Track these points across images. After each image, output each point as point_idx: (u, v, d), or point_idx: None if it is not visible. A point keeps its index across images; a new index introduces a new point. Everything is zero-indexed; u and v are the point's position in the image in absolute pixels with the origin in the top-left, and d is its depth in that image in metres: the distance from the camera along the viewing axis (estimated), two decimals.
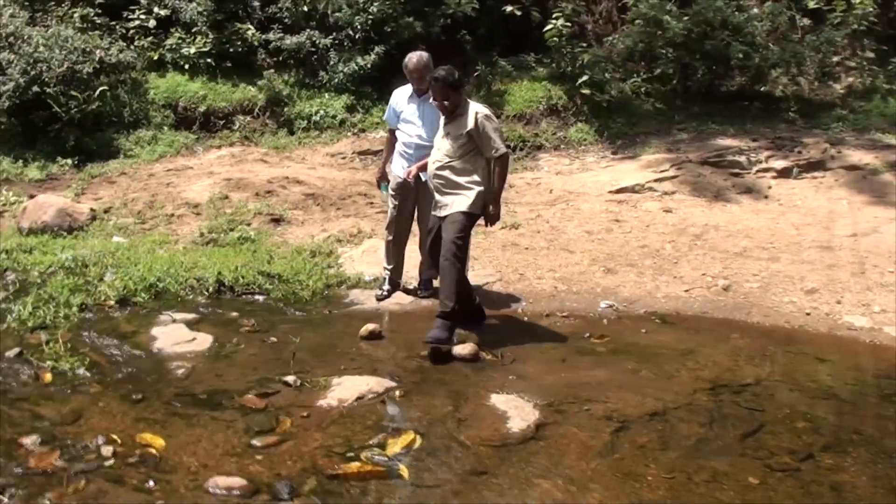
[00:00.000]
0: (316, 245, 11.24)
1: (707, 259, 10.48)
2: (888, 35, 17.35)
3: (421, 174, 9.00)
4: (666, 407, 7.02)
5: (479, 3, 16.74)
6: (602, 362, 8.03)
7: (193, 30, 17.09)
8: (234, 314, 9.18)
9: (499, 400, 7.08)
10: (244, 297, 9.73)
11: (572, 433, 6.57)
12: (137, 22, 17.20)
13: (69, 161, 14.55)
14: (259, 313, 9.23)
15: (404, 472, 6.00)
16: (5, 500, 5.56)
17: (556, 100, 16.47)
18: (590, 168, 14.56)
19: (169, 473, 5.94)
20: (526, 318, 9.18)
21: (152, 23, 17.23)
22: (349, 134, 15.76)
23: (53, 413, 6.86)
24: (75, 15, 16.82)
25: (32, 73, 14.63)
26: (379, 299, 9.60)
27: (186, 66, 16.90)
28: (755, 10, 16.80)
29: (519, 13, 16.74)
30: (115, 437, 6.39)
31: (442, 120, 8.60)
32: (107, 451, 6.20)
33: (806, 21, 17.18)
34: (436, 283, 9.32)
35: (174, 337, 8.45)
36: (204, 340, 8.38)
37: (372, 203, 12.66)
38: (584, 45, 17.32)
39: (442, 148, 8.46)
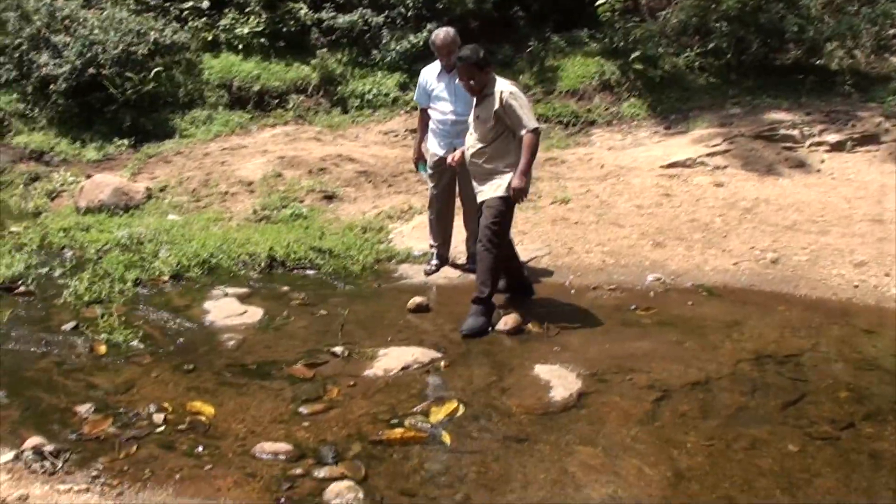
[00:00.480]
0: (367, 221, 11.36)
1: (756, 233, 10.46)
2: None
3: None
4: (708, 377, 7.08)
5: None
6: (647, 334, 8.08)
7: (247, 10, 17.24)
8: (285, 288, 9.33)
9: (542, 370, 7.18)
10: (295, 272, 9.87)
11: (614, 402, 6.66)
12: (191, 3, 17.36)
13: (125, 141, 14.75)
14: (309, 287, 9.38)
15: (446, 438, 6.12)
16: (59, 464, 5.73)
17: (608, 75, 16.43)
18: (642, 143, 14.53)
19: (218, 439, 6.12)
20: (573, 291, 9.23)
21: (206, 4, 17.39)
22: (401, 112, 15.81)
23: (107, 383, 7.07)
24: None
25: (88, 55, 14.85)
26: (427, 274, 9.69)
27: (240, 47, 17.04)
28: None
29: None
30: (166, 405, 6.59)
31: (473, 104, 8.43)
32: (158, 418, 6.40)
33: None
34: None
35: (226, 310, 8.63)
36: (255, 313, 8.54)
37: (423, 180, 12.76)
38: (637, 19, 17.21)
39: (474, 133, 8.33)
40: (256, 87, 16.40)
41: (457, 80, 8.66)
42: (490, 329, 8.11)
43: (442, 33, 9.20)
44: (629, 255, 10.01)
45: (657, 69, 16.19)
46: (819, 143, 13.38)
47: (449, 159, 9.02)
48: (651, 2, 18.42)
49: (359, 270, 9.80)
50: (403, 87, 16.28)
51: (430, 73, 9.43)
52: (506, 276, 8.74)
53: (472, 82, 8.17)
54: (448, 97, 9.17)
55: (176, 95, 15.96)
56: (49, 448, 5.86)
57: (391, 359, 7.38)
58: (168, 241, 10.42)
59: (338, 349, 7.59)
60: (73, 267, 9.86)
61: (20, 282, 9.32)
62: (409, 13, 16.74)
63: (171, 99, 15.91)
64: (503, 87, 8.14)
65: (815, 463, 5.82)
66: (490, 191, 8.19)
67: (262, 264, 9.86)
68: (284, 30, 17.15)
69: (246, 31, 16.94)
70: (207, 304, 8.79)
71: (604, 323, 8.34)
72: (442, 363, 7.36)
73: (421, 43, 16.12)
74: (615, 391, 6.85)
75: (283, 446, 5.95)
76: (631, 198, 11.72)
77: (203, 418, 6.41)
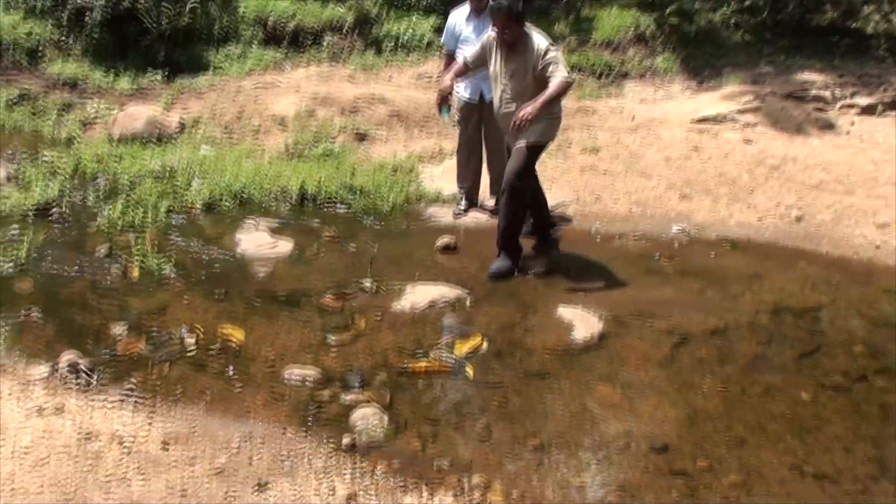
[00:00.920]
0: (398, 162, 11.45)
1: (782, 190, 10.55)
2: None
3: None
4: (727, 325, 7.23)
5: None
6: (669, 282, 8.22)
7: None
8: (316, 223, 9.47)
9: (565, 311, 7.34)
10: (326, 207, 9.96)
11: (634, 344, 6.84)
12: None
13: (159, 74, 14.82)
14: (340, 223, 9.51)
15: (469, 371, 6.31)
16: (94, 379, 5.92)
17: (643, 28, 16.35)
18: (674, 97, 14.56)
19: (248, 363, 6.32)
20: (599, 239, 9.34)
21: None
22: (435, 55, 15.77)
23: (140, 305, 7.26)
24: None
25: None
26: (456, 215, 9.75)
27: None
28: None
29: None
30: (198, 328, 6.78)
31: (497, 55, 8.11)
32: (190, 340, 6.61)
33: None
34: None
35: (257, 241, 8.77)
36: (285, 246, 8.69)
37: (445, 124, 12.83)
38: None
39: (507, 88, 8.07)
40: (291, 25, 16.36)
41: (486, 21, 8.55)
42: (516, 271, 8.21)
43: None
44: (655, 206, 10.12)
45: (692, 24, 16.14)
46: (850, 106, 13.39)
47: (467, 94, 9.13)
48: None
49: (388, 209, 9.90)
50: (438, 30, 16.17)
51: (460, 16, 9.41)
52: (533, 219, 8.78)
53: (505, 33, 7.88)
54: (477, 40, 8.87)
55: (210, 30, 15.95)
56: (84, 363, 6.06)
57: (418, 295, 7.53)
58: (200, 172, 10.52)
59: (366, 283, 7.76)
60: (106, 194, 9.97)
61: (55, 207, 9.47)
62: None
63: (205, 33, 15.89)
64: (540, 41, 7.83)
65: (825, 411, 6.00)
66: (523, 138, 8.02)
67: (294, 199, 9.97)
68: None
69: None
70: (239, 235, 8.93)
71: (627, 270, 8.45)
72: (468, 301, 7.51)
73: None
74: (635, 334, 7.02)
75: (312, 371, 6.15)
76: (660, 150, 11.79)
77: (233, 342, 6.61)
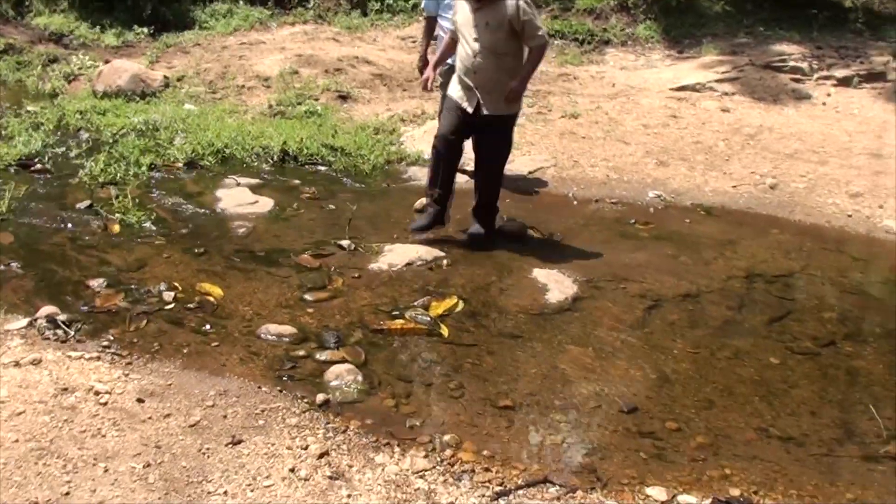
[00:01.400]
0: (380, 123, 11.51)
1: (758, 158, 10.65)
2: None
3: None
4: (699, 290, 7.34)
5: None
6: (643, 246, 8.32)
7: None
8: (296, 182, 9.55)
9: (540, 274, 7.42)
10: (307, 166, 10.07)
11: (606, 307, 6.93)
12: None
13: (145, 30, 14.85)
14: (320, 182, 9.59)
15: (444, 331, 6.38)
16: (71, 332, 5.98)
17: None
18: (654, 65, 14.67)
19: (225, 319, 6.38)
20: (576, 203, 9.44)
21: None
22: (420, 18, 15.83)
23: (119, 260, 7.32)
24: None
25: None
26: None
27: None
28: None
29: None
30: (176, 284, 6.84)
31: (467, 7, 7.64)
32: (168, 296, 6.66)
33: None
34: None
35: (237, 199, 8.85)
36: (265, 204, 8.78)
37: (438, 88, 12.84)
38: None
39: (479, 40, 7.55)
40: None
41: None
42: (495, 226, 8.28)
43: None
44: (632, 172, 10.20)
45: None
46: (826, 78, 13.52)
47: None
48: None
49: (369, 170, 9.98)
50: None
51: None
52: (442, 189, 8.16)
53: None
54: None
55: None
56: (62, 317, 6.11)
57: (396, 255, 7.60)
58: (183, 129, 10.61)
59: (344, 242, 7.82)
60: (88, 149, 10.06)
61: (37, 159, 9.53)
62: None
63: None
64: None
65: (793, 375, 6.09)
66: (499, 106, 7.72)
67: (275, 157, 10.06)
68: None
69: None
70: (220, 192, 9.01)
71: (603, 234, 8.58)
72: (445, 261, 7.59)
73: None
74: (608, 297, 7.11)
75: (288, 329, 6.22)
76: (639, 117, 11.89)
77: (211, 299, 6.68)
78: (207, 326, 6.26)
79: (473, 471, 4.84)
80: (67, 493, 4.31)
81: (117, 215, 8.19)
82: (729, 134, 11.34)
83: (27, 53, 13.88)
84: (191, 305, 6.56)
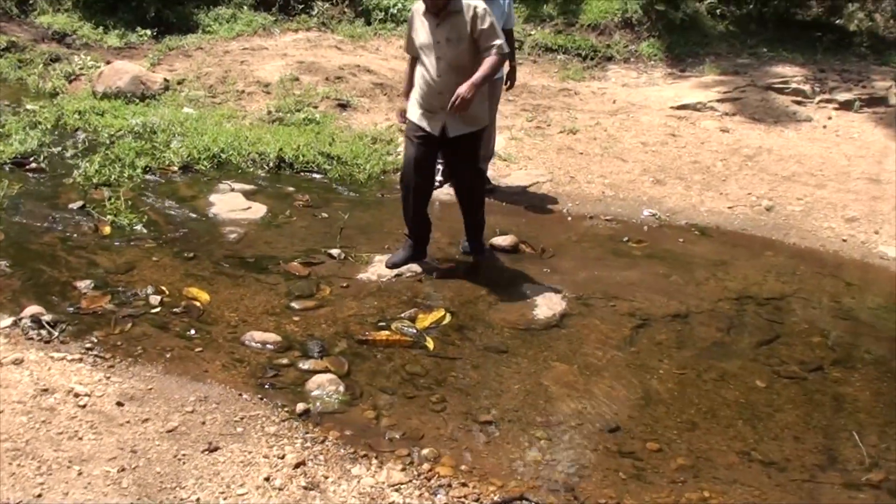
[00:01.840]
0: (378, 132, 11.48)
1: (755, 180, 10.60)
2: None
3: None
4: (689, 310, 7.30)
5: None
6: (635, 265, 8.28)
7: None
8: (291, 189, 9.52)
9: (529, 289, 7.43)
10: (302, 174, 10.03)
11: (594, 325, 6.91)
12: None
13: (148, 32, 14.86)
14: (314, 190, 9.57)
15: (430, 343, 6.37)
16: (56, 333, 5.97)
17: (630, 13, 16.47)
18: (655, 83, 14.65)
19: (210, 325, 6.39)
20: (570, 219, 9.39)
21: None
22: None
23: (108, 262, 7.34)
24: None
25: None
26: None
27: None
28: None
29: None
30: (163, 288, 6.86)
31: (427, 26, 7.22)
32: (155, 300, 6.67)
33: None
34: (489, 172, 9.69)
35: (230, 204, 8.85)
36: (258, 210, 8.77)
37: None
38: None
39: (442, 58, 7.14)
40: None
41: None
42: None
43: None
44: (629, 189, 10.17)
45: (679, 11, 16.21)
46: (828, 101, 13.47)
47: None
48: None
49: (364, 179, 9.94)
50: None
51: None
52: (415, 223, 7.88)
53: None
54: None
55: None
56: (47, 318, 6.14)
57: (385, 265, 7.59)
58: (181, 132, 10.59)
59: (335, 251, 7.82)
60: (84, 149, 10.07)
61: (32, 158, 9.54)
62: None
63: None
64: (475, 2, 7.04)
65: (778, 399, 6.06)
66: (469, 121, 7.33)
67: (271, 164, 10.03)
68: None
69: None
70: (213, 197, 9.01)
71: (595, 251, 8.54)
72: (434, 274, 7.58)
73: None
74: (597, 315, 7.09)
75: (272, 337, 6.23)
76: (638, 134, 11.85)
77: (198, 304, 6.69)
78: (192, 331, 6.28)
79: (450, 485, 4.83)
80: (40, 496, 4.30)
81: (109, 217, 8.20)
82: (727, 154, 11.31)
83: (29, 52, 13.88)
84: (177, 310, 6.57)
